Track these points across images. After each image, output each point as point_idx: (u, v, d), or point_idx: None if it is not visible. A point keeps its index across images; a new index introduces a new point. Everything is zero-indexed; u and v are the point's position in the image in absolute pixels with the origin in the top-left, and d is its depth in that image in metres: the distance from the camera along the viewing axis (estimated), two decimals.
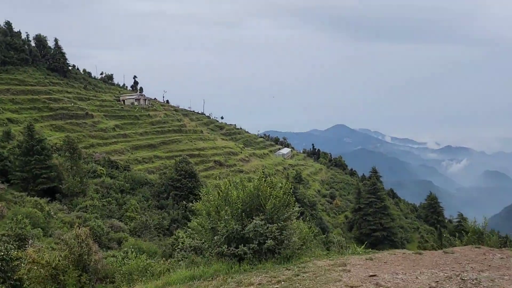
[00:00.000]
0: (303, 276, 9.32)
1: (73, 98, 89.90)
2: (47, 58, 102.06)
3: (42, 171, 46.94)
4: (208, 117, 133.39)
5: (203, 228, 12.56)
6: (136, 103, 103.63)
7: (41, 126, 70.69)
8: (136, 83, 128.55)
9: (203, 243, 12.32)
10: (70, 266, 13.18)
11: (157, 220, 48.32)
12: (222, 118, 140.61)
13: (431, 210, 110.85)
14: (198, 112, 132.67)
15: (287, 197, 12.46)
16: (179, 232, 36.51)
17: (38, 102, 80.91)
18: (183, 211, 51.45)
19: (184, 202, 51.02)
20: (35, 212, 34.27)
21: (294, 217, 12.63)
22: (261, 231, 11.29)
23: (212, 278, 10.30)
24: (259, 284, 9.13)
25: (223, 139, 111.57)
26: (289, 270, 10.08)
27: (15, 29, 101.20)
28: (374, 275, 8.95)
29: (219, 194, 12.91)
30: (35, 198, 40.30)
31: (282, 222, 11.73)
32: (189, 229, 25.28)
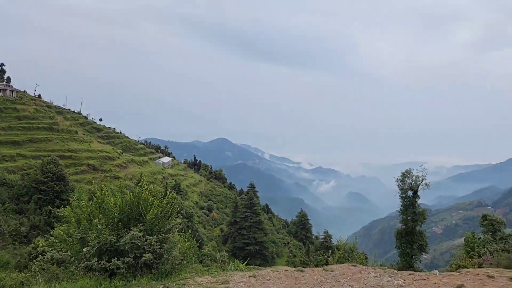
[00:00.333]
0: None
1: None
2: None
3: None
4: (85, 117, 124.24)
5: (70, 238, 11.03)
6: (0, 94, 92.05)
7: None
8: (3, 71, 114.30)
9: (69, 255, 10.78)
10: None
11: (13, 226, 42.65)
12: (100, 120, 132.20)
13: (301, 227, 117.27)
14: (74, 111, 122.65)
15: (170, 208, 11.60)
16: (39, 241, 32.61)
17: None
18: (47, 217, 46.43)
19: (49, 207, 46.11)
20: None
21: (176, 229, 11.80)
22: (139, 244, 10.25)
23: None
24: None
25: (99, 142, 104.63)
26: (167, 287, 9.23)
27: None
28: None
29: (93, 200, 11.54)
30: None
31: (163, 235, 10.83)
32: (52, 238, 22.58)
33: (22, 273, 13.55)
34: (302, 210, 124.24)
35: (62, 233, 11.55)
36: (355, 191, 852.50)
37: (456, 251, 33.48)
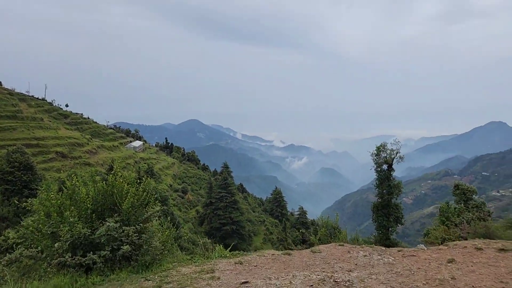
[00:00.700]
0: None
1: None
2: None
3: None
4: (50, 103, 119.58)
5: (40, 233, 10.23)
6: None
7: None
8: None
9: (39, 251, 10.00)
10: None
11: None
12: (67, 106, 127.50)
13: (276, 204, 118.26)
14: (38, 98, 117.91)
15: (147, 195, 10.94)
16: (9, 232, 31.32)
17: None
18: (16, 208, 44.74)
19: (17, 198, 44.39)
20: None
21: (155, 217, 11.17)
22: (116, 235, 9.59)
23: None
24: None
25: (67, 129, 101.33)
26: (149, 280, 8.66)
27: None
28: (246, 282, 8.16)
29: (63, 191, 10.73)
30: None
31: (141, 224, 10.18)
32: (22, 229, 21.53)
33: None
34: (276, 187, 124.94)
35: (31, 228, 10.71)
36: (327, 166, 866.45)
37: (432, 220, 34.15)
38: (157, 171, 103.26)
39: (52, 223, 9.92)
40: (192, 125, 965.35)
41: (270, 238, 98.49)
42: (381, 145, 33.90)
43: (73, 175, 11.12)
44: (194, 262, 10.11)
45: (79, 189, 10.54)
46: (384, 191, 34.02)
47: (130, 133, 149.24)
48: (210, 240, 12.16)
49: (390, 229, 34.17)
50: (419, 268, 8.98)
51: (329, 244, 11.85)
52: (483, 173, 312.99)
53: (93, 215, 10.19)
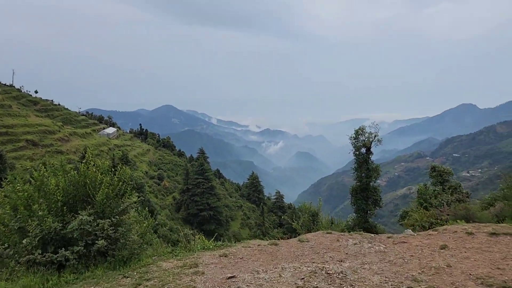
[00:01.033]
0: (147, 286, 7.43)
1: None
2: None
3: None
4: (19, 90, 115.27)
5: (6, 228, 9.42)
6: None
7: None
8: None
9: (6, 248, 9.20)
10: None
11: None
12: (36, 92, 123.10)
13: (253, 189, 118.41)
14: (5, 84, 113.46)
15: (122, 185, 10.22)
16: None
17: None
18: None
19: None
20: None
21: (132, 209, 10.47)
22: (90, 229, 8.89)
23: None
24: None
25: (37, 116, 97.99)
26: (128, 277, 8.02)
27: None
28: (233, 276, 7.63)
29: (30, 182, 9.91)
30: None
31: (117, 217, 9.49)
32: None
33: None
34: (253, 172, 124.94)
35: None
36: (303, 150, 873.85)
37: (410, 202, 34.42)
38: (132, 158, 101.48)
39: (19, 217, 9.12)
40: (166, 111, 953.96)
41: (247, 223, 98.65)
42: (359, 128, 33.65)
43: (41, 165, 10.23)
44: (175, 256, 9.51)
45: (48, 180, 9.73)
46: (363, 175, 33.93)
47: (103, 120, 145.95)
48: (192, 231, 11.55)
49: (368, 212, 34.30)
50: (412, 256, 8.65)
51: (317, 232, 11.43)
52: (454, 154, 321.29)
53: (64, 208, 9.43)
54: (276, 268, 8.08)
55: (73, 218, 9.18)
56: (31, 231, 8.75)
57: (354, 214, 36.92)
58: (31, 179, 10.03)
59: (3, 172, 46.86)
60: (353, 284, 6.96)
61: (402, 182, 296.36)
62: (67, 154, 77.47)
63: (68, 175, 10.01)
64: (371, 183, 34.18)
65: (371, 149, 34.55)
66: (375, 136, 33.91)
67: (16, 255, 8.99)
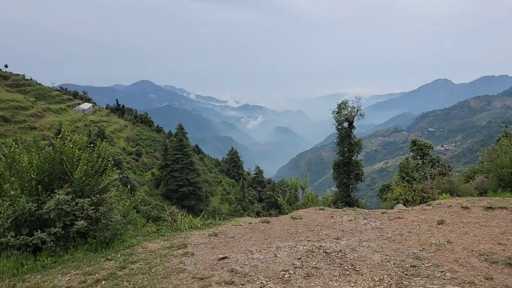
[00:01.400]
0: (132, 269, 6.87)
1: None
2: None
3: None
4: None
5: None
6: None
7: None
8: None
9: None
10: None
11: None
12: (6, 66, 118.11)
13: (233, 164, 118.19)
14: None
15: (102, 161, 9.52)
16: None
17: None
18: None
19: None
20: None
21: (114, 187, 9.79)
22: (68, 209, 8.24)
23: None
24: None
25: (8, 91, 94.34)
26: (111, 260, 7.45)
27: None
28: (225, 257, 7.15)
29: (1, 160, 9.13)
30: None
31: (97, 195, 8.84)
32: None
33: None
34: (232, 148, 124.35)
35: None
36: (281, 125, 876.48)
37: (393, 175, 34.63)
38: (109, 134, 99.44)
39: None
40: (143, 86, 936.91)
41: (227, 198, 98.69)
42: (342, 103, 33.42)
43: (12, 141, 9.43)
44: (161, 236, 8.96)
45: (20, 156, 8.96)
46: (345, 149, 33.92)
47: (78, 95, 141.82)
48: (178, 210, 10.99)
49: (350, 186, 34.39)
50: (410, 232, 8.33)
51: (309, 209, 11.03)
52: (429, 128, 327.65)
53: (39, 186, 8.72)
54: (270, 247, 7.63)
55: (49, 197, 8.50)
56: (2, 212, 8.07)
57: (333, 188, 37.10)
58: (1, 156, 9.25)
59: None
60: (354, 264, 6.57)
61: (379, 156, 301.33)
62: (41, 130, 75.20)
63: (43, 151, 9.25)
64: (353, 158, 34.24)
65: (354, 124, 34.48)
66: (357, 110, 33.77)
67: None
